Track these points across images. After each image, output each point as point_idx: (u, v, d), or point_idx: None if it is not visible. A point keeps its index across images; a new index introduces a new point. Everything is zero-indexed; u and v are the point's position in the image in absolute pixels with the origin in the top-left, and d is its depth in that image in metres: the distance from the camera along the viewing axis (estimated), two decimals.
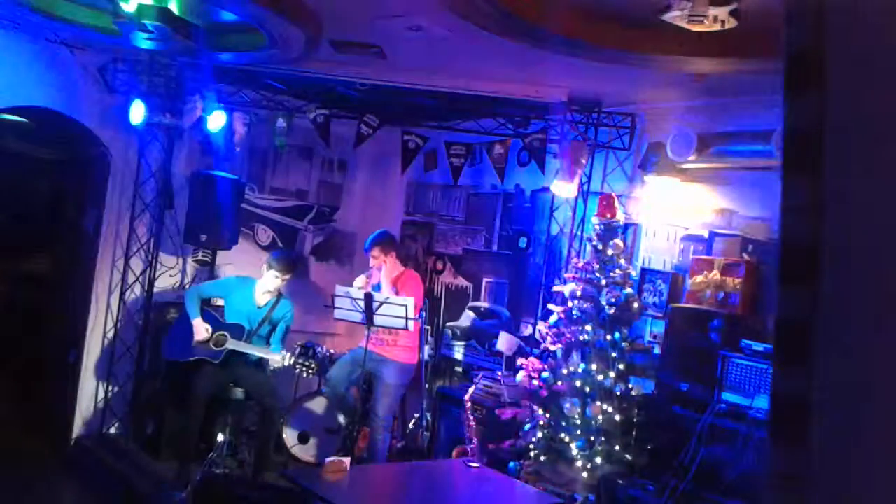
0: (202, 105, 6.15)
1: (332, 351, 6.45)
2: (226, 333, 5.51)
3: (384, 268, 5.76)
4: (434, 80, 5.79)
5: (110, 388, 6.40)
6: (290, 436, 6.09)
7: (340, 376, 5.87)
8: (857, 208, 0.90)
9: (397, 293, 5.61)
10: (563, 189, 5.83)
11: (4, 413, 7.08)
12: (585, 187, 6.03)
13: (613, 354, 5.11)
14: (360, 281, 5.81)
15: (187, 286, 6.59)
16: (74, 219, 7.27)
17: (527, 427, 5.30)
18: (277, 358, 5.42)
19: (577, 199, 6.04)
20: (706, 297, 5.09)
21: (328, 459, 4.49)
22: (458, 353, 7.09)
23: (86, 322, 6.41)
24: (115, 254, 6.45)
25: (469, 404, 5.52)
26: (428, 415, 6.24)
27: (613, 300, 5.16)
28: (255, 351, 5.47)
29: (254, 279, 5.71)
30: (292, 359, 5.40)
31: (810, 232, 0.91)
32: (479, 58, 5.17)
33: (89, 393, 6.40)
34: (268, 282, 5.60)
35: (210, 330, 5.53)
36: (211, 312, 5.68)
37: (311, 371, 5.51)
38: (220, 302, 5.95)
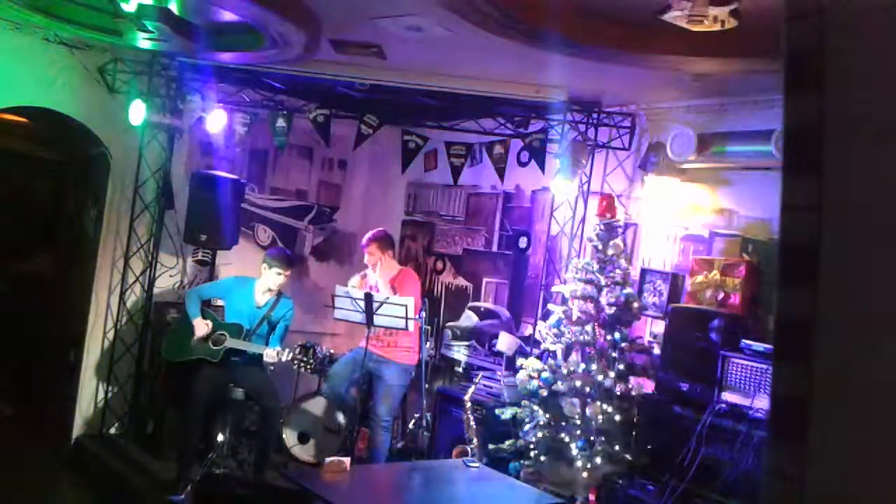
0: (202, 105, 6.15)
1: (332, 351, 6.45)
2: (225, 333, 5.50)
3: (380, 267, 5.77)
4: (434, 80, 5.79)
5: (110, 388, 6.39)
6: (290, 436, 6.09)
7: (341, 376, 5.87)
8: (857, 208, 0.90)
9: (395, 293, 5.60)
10: (563, 189, 5.82)
11: (4, 413, 7.08)
12: (585, 187, 6.03)
13: (613, 354, 5.10)
14: (354, 280, 5.80)
15: (187, 286, 6.59)
16: (74, 219, 7.27)
17: (527, 427, 5.29)
18: (272, 353, 5.36)
19: (577, 199, 6.04)
20: (706, 297, 5.09)
21: (328, 459, 4.49)
22: (458, 353, 7.09)
23: (86, 322, 6.40)
24: (115, 254, 6.44)
25: (469, 404, 5.52)
26: (428, 415, 6.24)
27: (613, 300, 5.16)
28: (254, 348, 5.46)
29: (253, 279, 5.70)
30: (290, 354, 5.36)
31: (810, 232, 0.91)
32: (479, 58, 5.17)
33: (89, 393, 6.40)
34: (269, 280, 5.58)
35: (211, 325, 5.52)
36: (210, 313, 5.68)
37: (308, 366, 5.48)
38: (219, 302, 5.95)
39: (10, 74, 5.78)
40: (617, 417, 4.99)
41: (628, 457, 4.93)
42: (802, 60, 0.94)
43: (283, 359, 5.34)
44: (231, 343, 5.44)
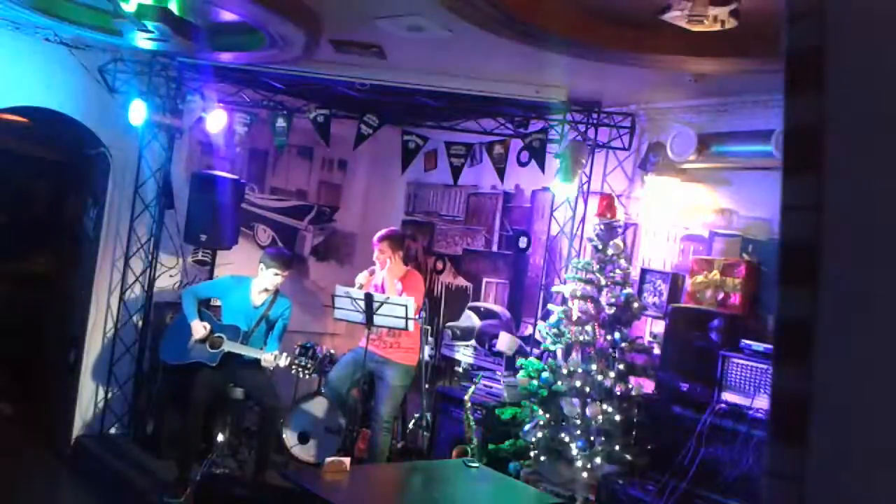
0: (202, 105, 6.15)
1: (332, 351, 6.44)
2: (222, 336, 5.46)
3: (388, 266, 5.76)
4: (434, 80, 5.79)
5: (110, 388, 6.39)
6: (290, 436, 6.09)
7: (342, 377, 5.86)
8: (857, 208, 0.90)
9: (402, 291, 5.60)
10: (563, 189, 5.83)
11: (4, 413, 7.08)
12: (585, 187, 6.03)
13: (613, 354, 5.11)
14: (362, 277, 5.78)
15: (187, 286, 6.59)
16: (74, 219, 7.27)
17: (527, 427, 5.30)
18: (270, 357, 5.32)
19: (577, 199, 6.04)
20: (706, 297, 5.09)
21: (328, 459, 4.49)
22: (459, 353, 7.09)
23: (86, 322, 6.40)
24: (115, 254, 6.44)
25: (469, 404, 5.52)
26: (428, 415, 6.23)
27: (613, 300, 5.16)
28: (251, 352, 5.43)
29: (249, 278, 5.67)
30: (288, 359, 5.34)
31: (810, 232, 0.91)
32: (479, 58, 5.17)
33: (89, 393, 6.39)
34: (266, 280, 5.55)
35: (208, 327, 5.49)
36: (207, 314, 5.66)
37: (307, 371, 5.46)
38: (217, 302, 5.94)
39: (10, 74, 5.78)
40: (617, 417, 4.99)
41: (628, 457, 4.93)
42: (802, 60, 0.94)
43: (281, 364, 5.32)
44: (229, 346, 5.40)
